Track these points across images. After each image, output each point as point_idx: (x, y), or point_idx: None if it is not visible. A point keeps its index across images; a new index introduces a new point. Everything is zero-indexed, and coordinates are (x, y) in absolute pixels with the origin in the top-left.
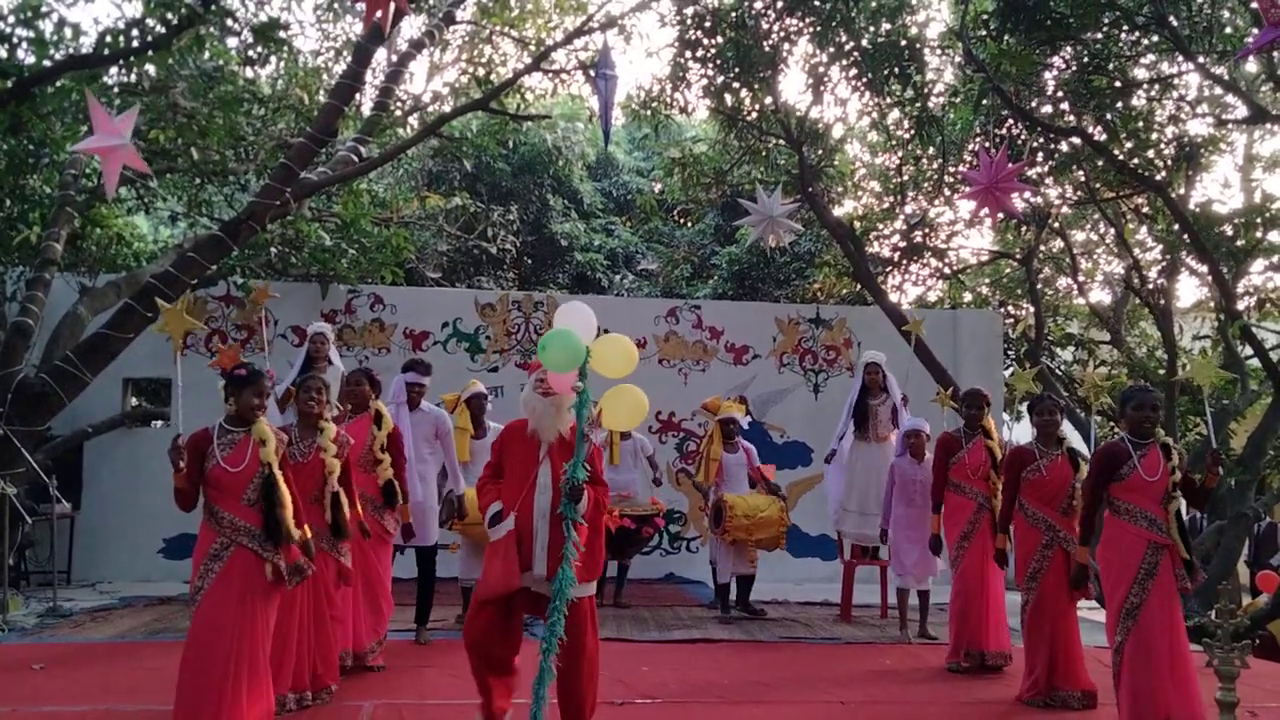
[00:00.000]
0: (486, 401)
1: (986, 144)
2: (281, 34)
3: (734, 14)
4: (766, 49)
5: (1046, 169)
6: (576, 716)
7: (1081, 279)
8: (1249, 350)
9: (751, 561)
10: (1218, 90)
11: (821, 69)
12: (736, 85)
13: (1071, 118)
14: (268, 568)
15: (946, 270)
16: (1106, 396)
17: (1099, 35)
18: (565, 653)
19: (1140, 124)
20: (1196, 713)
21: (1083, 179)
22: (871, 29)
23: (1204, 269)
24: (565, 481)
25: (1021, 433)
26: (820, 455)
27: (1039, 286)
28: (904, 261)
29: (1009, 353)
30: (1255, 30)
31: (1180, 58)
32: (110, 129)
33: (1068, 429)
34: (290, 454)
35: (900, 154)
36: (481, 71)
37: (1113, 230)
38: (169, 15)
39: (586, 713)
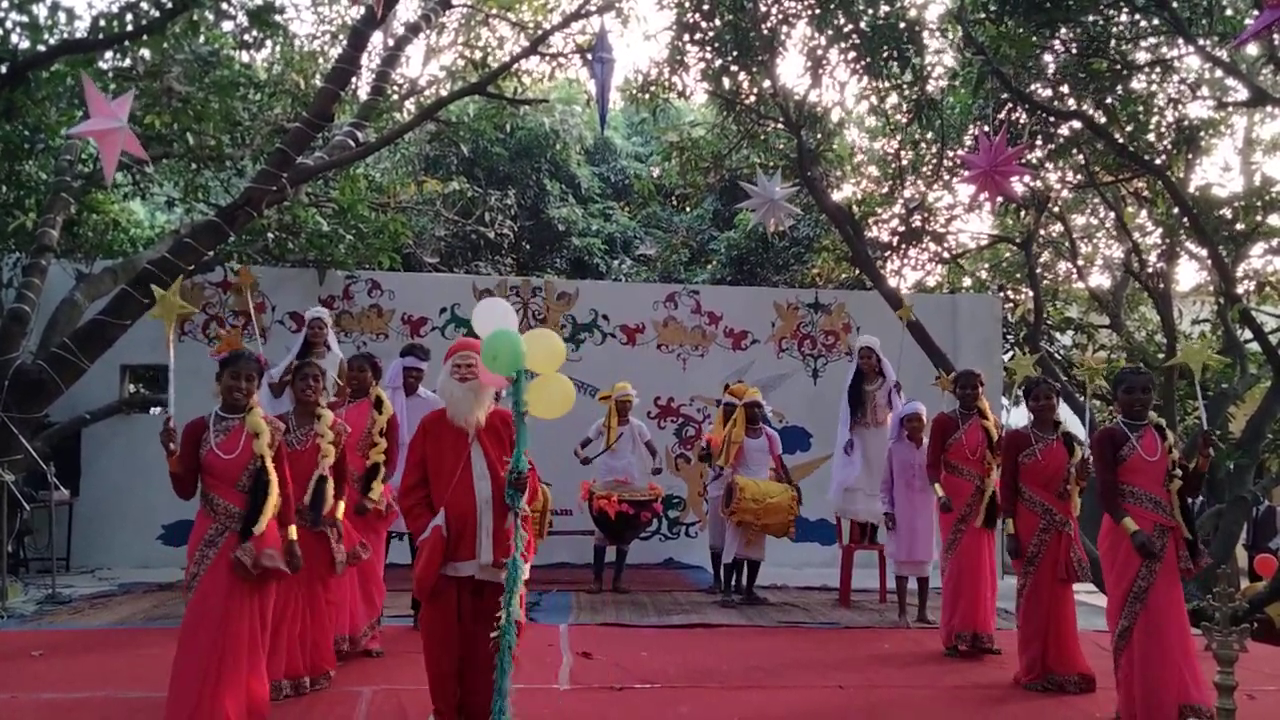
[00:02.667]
0: None
1: (985, 128)
2: (277, 18)
3: None
4: (765, 32)
5: (1046, 153)
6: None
7: (1081, 263)
8: (1248, 334)
9: (752, 546)
10: (1218, 73)
11: (820, 52)
12: (735, 69)
13: (1071, 101)
14: (234, 559)
15: (945, 255)
16: (1102, 380)
17: (1099, 18)
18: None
19: (1140, 107)
20: (1207, 693)
21: (1082, 162)
22: (870, 11)
23: (1203, 253)
24: (510, 472)
25: (1019, 417)
26: (819, 440)
27: (1038, 271)
28: (903, 246)
29: (1008, 337)
30: (1255, 12)
31: (1180, 40)
32: (106, 112)
33: (1066, 413)
34: (287, 441)
35: (899, 138)
36: (478, 55)
37: (1112, 214)
38: None
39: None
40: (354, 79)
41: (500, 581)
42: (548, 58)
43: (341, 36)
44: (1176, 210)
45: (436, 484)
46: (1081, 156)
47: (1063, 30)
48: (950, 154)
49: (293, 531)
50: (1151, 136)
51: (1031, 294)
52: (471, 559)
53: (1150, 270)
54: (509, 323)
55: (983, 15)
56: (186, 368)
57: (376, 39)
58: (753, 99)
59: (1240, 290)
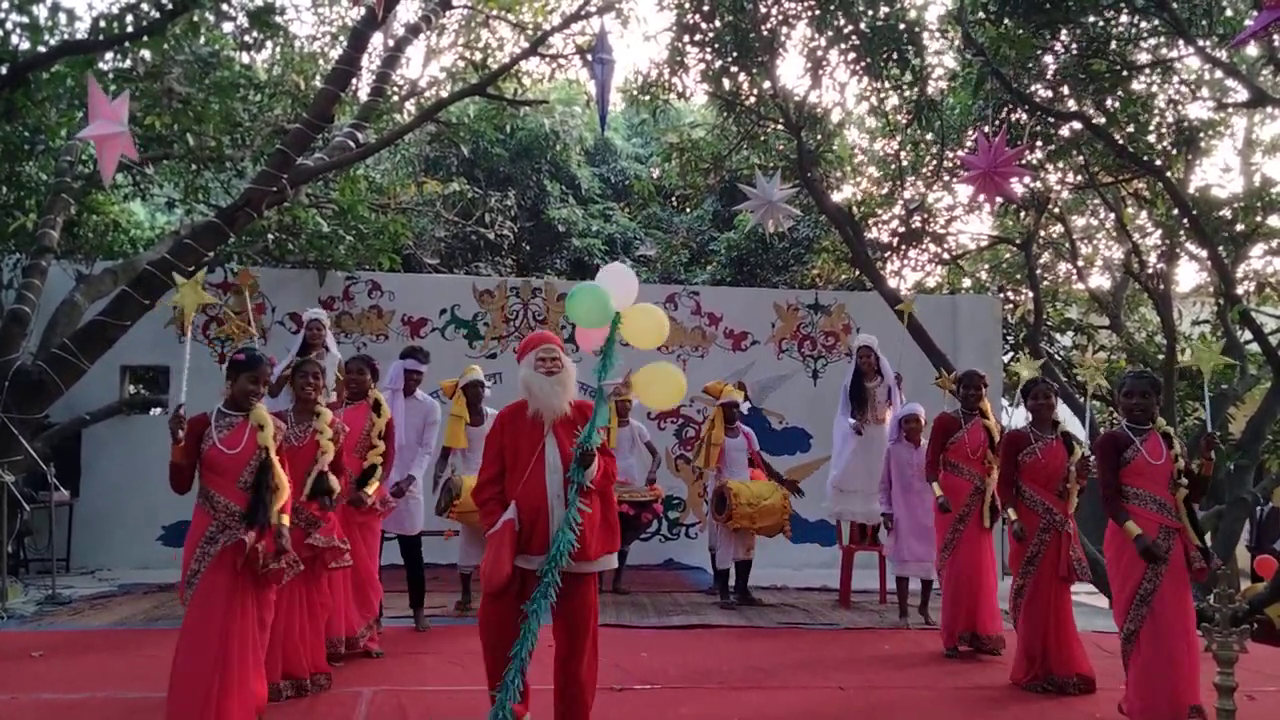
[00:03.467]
0: (484, 389)
1: (985, 129)
2: (277, 19)
3: None
4: (765, 33)
5: (1045, 154)
6: (576, 702)
7: (1081, 264)
8: (1248, 335)
9: (748, 549)
10: (1218, 74)
11: (820, 53)
12: (735, 69)
13: (1071, 102)
14: (246, 548)
15: (945, 255)
16: (1103, 380)
17: (1098, 19)
18: (568, 636)
19: (1140, 108)
20: (1199, 698)
21: (1082, 164)
22: (870, 12)
23: (1203, 254)
24: (577, 445)
25: (1020, 418)
26: (819, 440)
27: (1038, 271)
28: (903, 247)
29: (1008, 338)
30: (1255, 13)
31: (1180, 41)
32: (109, 115)
33: (1065, 414)
34: (286, 438)
35: (899, 139)
36: (478, 56)
37: (1112, 215)
38: (164, 0)
39: (587, 697)
40: (354, 80)
41: (575, 571)
42: (548, 59)
43: (342, 38)
44: (1176, 211)
45: (511, 476)
46: (1081, 158)
47: (1063, 31)
48: (950, 155)
49: (287, 540)
50: (1151, 138)
51: (1031, 295)
52: (545, 553)
53: (1150, 271)
54: (627, 289)
55: (982, 16)
56: (188, 366)
57: (377, 40)
58: (753, 100)
59: (1240, 291)
